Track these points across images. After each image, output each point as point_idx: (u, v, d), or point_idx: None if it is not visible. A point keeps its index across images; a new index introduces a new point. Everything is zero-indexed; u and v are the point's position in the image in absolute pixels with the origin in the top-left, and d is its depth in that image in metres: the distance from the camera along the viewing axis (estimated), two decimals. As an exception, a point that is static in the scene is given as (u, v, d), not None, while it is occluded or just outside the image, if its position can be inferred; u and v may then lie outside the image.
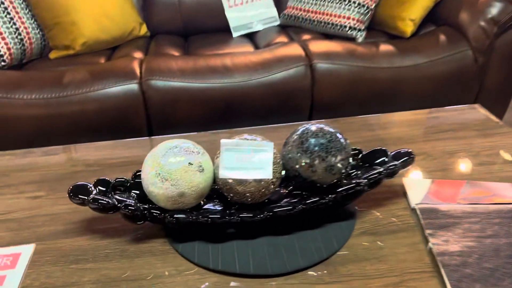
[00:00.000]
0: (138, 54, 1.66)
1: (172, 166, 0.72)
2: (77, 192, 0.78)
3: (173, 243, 0.77)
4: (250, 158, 0.74)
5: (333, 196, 0.77)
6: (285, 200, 0.82)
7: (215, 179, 0.78)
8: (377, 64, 1.46)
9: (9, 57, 1.44)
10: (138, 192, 0.81)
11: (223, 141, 0.76)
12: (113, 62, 1.52)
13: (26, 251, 0.77)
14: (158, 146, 0.77)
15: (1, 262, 0.75)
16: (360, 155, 0.87)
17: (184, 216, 0.75)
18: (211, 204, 0.82)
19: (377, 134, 1.09)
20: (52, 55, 1.65)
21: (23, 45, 1.48)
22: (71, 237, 0.80)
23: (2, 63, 1.47)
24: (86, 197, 0.77)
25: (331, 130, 0.78)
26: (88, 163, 1.02)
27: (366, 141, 1.06)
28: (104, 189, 0.80)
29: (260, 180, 0.74)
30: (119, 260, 0.74)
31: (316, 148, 0.75)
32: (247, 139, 0.77)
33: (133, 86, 1.35)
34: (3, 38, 1.44)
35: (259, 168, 0.74)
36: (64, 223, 0.83)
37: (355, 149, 0.88)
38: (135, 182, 0.82)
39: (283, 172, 0.79)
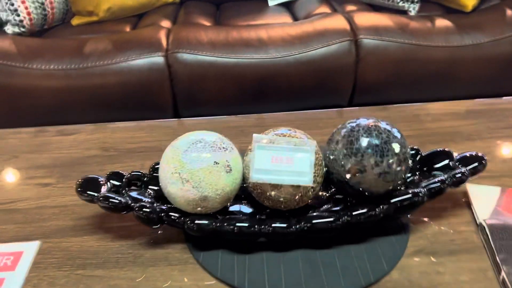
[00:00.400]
0: (166, 23, 1.53)
1: (195, 165, 0.61)
2: (87, 187, 0.68)
3: (194, 250, 0.66)
4: (287, 160, 0.62)
5: (384, 207, 0.64)
6: (325, 206, 0.70)
7: (244, 179, 0.66)
8: (432, 42, 1.29)
9: (29, 23, 1.35)
10: (156, 188, 0.70)
11: (256, 136, 0.64)
12: (138, 31, 1.40)
13: (30, 249, 0.68)
14: (180, 138, 0.65)
15: (0, 262, 0.66)
16: (418, 156, 0.74)
17: (206, 222, 0.64)
18: (239, 206, 0.71)
19: (431, 127, 0.94)
20: (75, 21, 1.54)
21: (44, 9, 1.39)
22: (80, 235, 0.71)
23: (22, 29, 1.38)
24: (96, 194, 0.67)
25: (388, 127, 0.64)
26: (105, 146, 0.92)
27: (418, 135, 0.92)
28: (118, 183, 0.70)
29: (298, 186, 0.62)
30: (131, 267, 0.65)
31: (369, 151, 0.62)
32: (285, 135, 0.64)
33: (158, 59, 1.24)
34: (23, 2, 1.34)
35: (298, 171, 0.62)
36: (73, 217, 0.74)
37: (412, 149, 0.74)
38: (153, 177, 0.71)
39: (325, 169, 0.67)
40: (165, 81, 1.25)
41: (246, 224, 0.63)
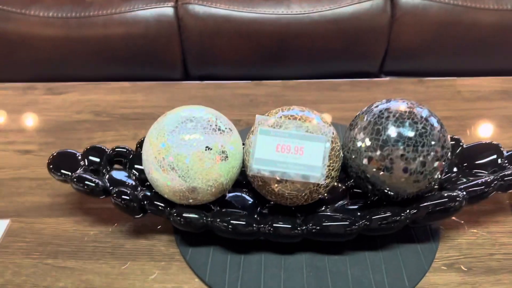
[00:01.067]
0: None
1: (182, 150, 0.50)
2: (61, 164, 0.59)
3: (181, 245, 0.57)
4: (296, 149, 0.50)
5: (412, 212, 0.53)
6: (340, 202, 0.59)
7: (244, 166, 0.55)
8: (480, 3, 1.11)
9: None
10: (142, 168, 0.60)
11: (259, 117, 0.52)
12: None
13: (-2, 229, 0.60)
14: (168, 114, 0.54)
15: (-36, 243, 0.58)
16: (459, 148, 0.61)
17: (196, 217, 0.53)
18: (237, 195, 0.60)
19: (475, 108, 0.80)
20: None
21: None
22: (55, 215, 0.62)
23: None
24: (69, 173, 0.57)
25: (425, 114, 0.51)
26: (97, 110, 0.82)
27: (459, 117, 0.78)
28: (97, 160, 0.60)
29: (307, 181, 0.51)
30: (108, 260, 0.56)
31: (399, 144, 0.49)
32: (296, 117, 0.52)
33: (167, 10, 1.10)
34: None
35: (308, 165, 0.50)
36: (51, 193, 0.65)
37: (451, 138, 0.61)
38: (140, 154, 0.61)
39: (340, 159, 0.55)
40: (174, 36, 1.12)
41: (243, 222, 0.53)
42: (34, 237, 0.59)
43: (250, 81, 0.88)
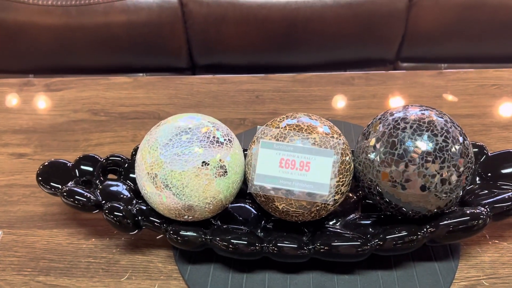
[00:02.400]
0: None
1: (176, 165, 0.45)
2: (51, 175, 0.55)
3: (180, 261, 0.53)
4: (301, 165, 0.45)
5: (430, 231, 0.48)
6: (351, 216, 0.54)
7: (245, 180, 0.51)
8: (507, -17, 1.03)
9: None
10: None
11: (261, 129, 0.47)
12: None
13: (-10, 242, 0.57)
14: (162, 124, 0.49)
15: (-46, 257, 0.56)
16: (483, 157, 0.55)
17: (194, 235, 0.49)
18: (240, 207, 0.56)
19: (501, 105, 0.74)
20: None
21: None
22: (49, 227, 0.59)
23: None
24: (59, 186, 0.53)
25: (445, 125, 0.46)
26: (95, 109, 0.78)
27: (481, 115, 0.72)
28: (90, 169, 0.56)
29: (313, 200, 0.46)
30: (102, 277, 0.53)
31: (417, 160, 0.44)
32: (302, 127, 0.47)
33: (170, -5, 1.05)
34: None
35: (314, 182, 0.45)
36: (44, 202, 0.62)
37: (474, 145, 0.56)
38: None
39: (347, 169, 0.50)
40: (178, 23, 1.06)
41: (245, 242, 0.49)
42: (26, 251, 0.56)
43: (256, 75, 0.83)
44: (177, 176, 0.45)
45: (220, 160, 0.47)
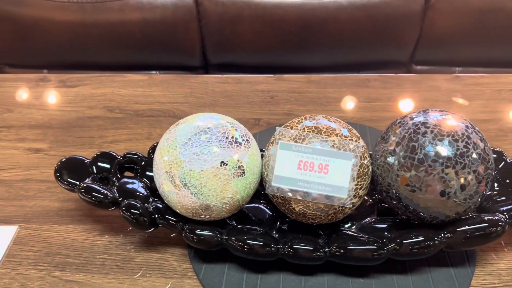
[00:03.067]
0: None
1: (195, 165, 0.45)
2: (69, 171, 0.55)
3: (195, 260, 0.53)
4: (320, 167, 0.45)
5: (447, 236, 0.48)
6: (367, 220, 0.54)
7: (262, 181, 0.51)
8: (525, -12, 1.02)
9: None
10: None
11: (280, 130, 0.47)
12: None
13: (6, 236, 0.58)
14: (181, 123, 0.49)
15: (-29, 250, 0.56)
16: (502, 163, 0.55)
17: (210, 234, 0.50)
18: (255, 207, 0.56)
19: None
20: None
21: None
22: (64, 222, 0.59)
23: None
24: (77, 183, 0.54)
25: (466, 129, 0.45)
26: (110, 106, 0.78)
27: (498, 119, 0.71)
28: (107, 167, 0.57)
29: (331, 202, 0.46)
30: (117, 274, 0.53)
31: (438, 165, 0.44)
32: (320, 129, 0.47)
33: (186, -6, 1.05)
34: None
35: (333, 185, 0.45)
36: (60, 198, 0.62)
37: (493, 151, 0.55)
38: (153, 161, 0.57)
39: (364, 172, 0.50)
40: (192, 21, 1.07)
41: (260, 243, 0.49)
42: (42, 246, 0.56)
43: (270, 75, 0.83)
44: (195, 175, 0.45)
45: (238, 160, 0.47)
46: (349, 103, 0.76)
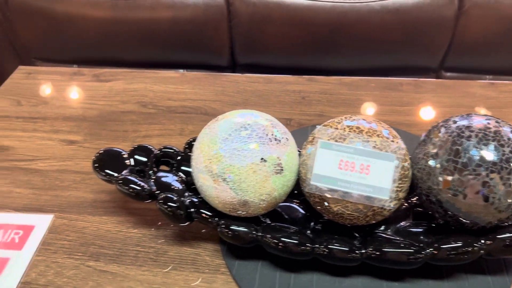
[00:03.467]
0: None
1: (235, 161, 0.46)
2: (106, 163, 0.56)
3: (228, 256, 0.54)
4: (361, 167, 0.45)
5: (487, 243, 0.47)
6: (402, 223, 0.53)
7: (299, 180, 0.50)
8: (561, -4, 1.00)
9: None
10: (191, 170, 0.57)
11: (319, 128, 0.47)
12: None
13: (42, 224, 0.59)
14: (220, 119, 0.50)
15: (8, 237, 0.57)
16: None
17: (245, 230, 0.50)
18: (289, 207, 0.56)
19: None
20: None
21: None
22: (99, 213, 0.60)
23: None
24: (115, 174, 0.54)
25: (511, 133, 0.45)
26: (143, 101, 0.79)
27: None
28: (144, 160, 0.57)
29: (371, 203, 0.46)
30: (150, 267, 0.53)
31: (482, 170, 0.43)
32: (361, 129, 0.47)
33: (217, -6, 1.06)
34: None
35: (373, 186, 0.45)
36: (94, 189, 0.63)
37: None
38: (188, 156, 0.58)
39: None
40: (223, 21, 1.08)
41: (296, 241, 0.49)
42: (76, 236, 0.57)
43: (302, 76, 0.83)
44: (235, 170, 0.46)
45: (277, 157, 0.47)
46: (381, 106, 0.76)
